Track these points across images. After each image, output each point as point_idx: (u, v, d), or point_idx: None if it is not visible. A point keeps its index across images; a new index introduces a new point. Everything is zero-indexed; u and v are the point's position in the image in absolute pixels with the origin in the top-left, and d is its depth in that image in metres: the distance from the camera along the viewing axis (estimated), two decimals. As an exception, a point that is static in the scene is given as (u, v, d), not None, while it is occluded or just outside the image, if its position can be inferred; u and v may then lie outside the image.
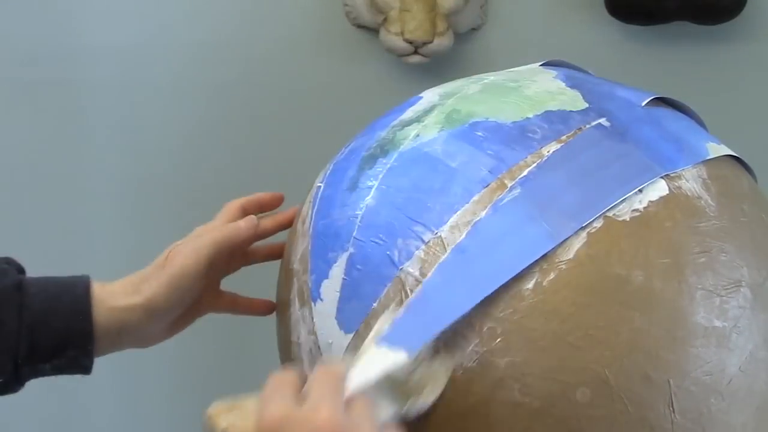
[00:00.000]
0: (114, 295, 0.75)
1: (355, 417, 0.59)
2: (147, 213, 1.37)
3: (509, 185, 0.66)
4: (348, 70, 1.38)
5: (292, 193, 0.86)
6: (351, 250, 0.69)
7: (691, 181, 0.67)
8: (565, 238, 0.64)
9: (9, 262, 0.75)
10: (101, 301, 0.75)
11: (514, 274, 0.63)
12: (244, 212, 0.82)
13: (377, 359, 0.63)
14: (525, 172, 0.66)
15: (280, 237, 0.83)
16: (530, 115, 0.70)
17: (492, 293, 0.63)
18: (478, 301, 0.63)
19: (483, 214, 0.65)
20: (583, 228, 0.64)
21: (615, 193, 0.65)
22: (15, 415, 1.46)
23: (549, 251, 0.63)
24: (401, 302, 0.65)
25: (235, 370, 1.47)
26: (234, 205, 0.83)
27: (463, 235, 0.65)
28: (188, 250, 0.77)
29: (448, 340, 0.64)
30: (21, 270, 0.76)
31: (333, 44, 1.36)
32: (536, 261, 0.63)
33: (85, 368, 0.76)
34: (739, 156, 0.74)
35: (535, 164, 0.67)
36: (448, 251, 0.65)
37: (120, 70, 1.38)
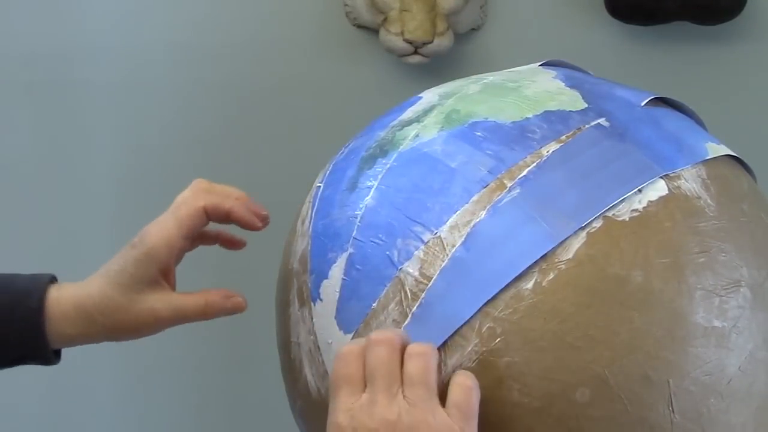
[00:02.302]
0: (71, 296, 0.76)
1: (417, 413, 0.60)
2: (146, 213, 1.37)
3: (508, 185, 0.66)
4: (348, 70, 1.38)
5: (292, 193, 0.86)
6: (350, 250, 0.69)
7: (690, 181, 0.67)
8: (564, 237, 0.64)
9: None
10: (57, 308, 0.75)
11: (515, 276, 0.63)
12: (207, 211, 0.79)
13: None
14: (524, 172, 0.66)
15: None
16: (530, 115, 0.70)
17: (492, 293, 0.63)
18: (482, 305, 0.63)
19: (482, 215, 0.65)
20: (582, 228, 0.64)
21: (614, 193, 0.65)
22: (14, 415, 1.46)
23: (548, 251, 0.63)
24: (401, 302, 0.65)
25: (235, 370, 1.47)
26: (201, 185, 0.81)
27: (463, 238, 0.65)
28: (156, 237, 0.76)
29: (447, 339, 0.64)
30: None
31: (333, 44, 1.37)
32: (536, 261, 0.63)
33: (48, 364, 0.78)
34: (739, 156, 0.74)
35: (534, 164, 0.67)
36: (449, 256, 0.65)
37: (120, 70, 1.38)
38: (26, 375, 1.41)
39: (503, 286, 0.63)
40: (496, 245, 0.64)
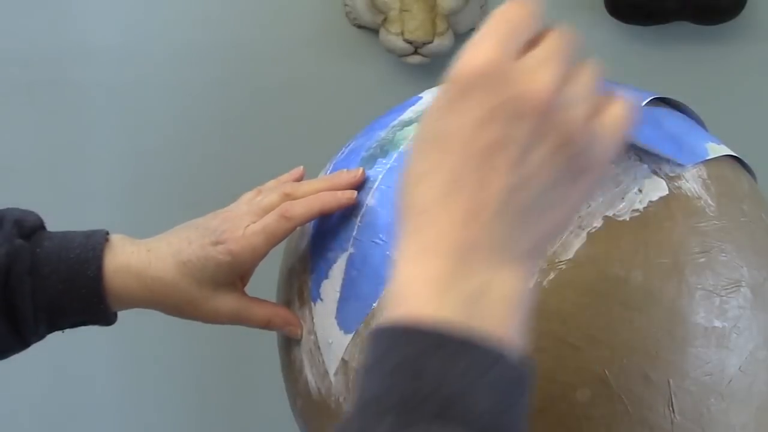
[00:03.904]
0: (135, 272, 0.72)
1: (575, 105, 0.50)
2: (146, 212, 1.37)
3: None
4: (348, 70, 1.38)
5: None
6: (351, 250, 0.69)
7: (690, 181, 0.67)
8: None
9: (21, 225, 0.73)
10: (118, 280, 0.72)
11: None
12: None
13: None
14: None
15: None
16: (530, 115, 0.70)
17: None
18: None
19: None
20: (582, 228, 0.64)
21: (612, 191, 0.65)
22: (15, 414, 1.46)
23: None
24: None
25: (235, 370, 1.47)
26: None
27: None
28: (242, 246, 0.71)
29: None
30: (33, 229, 0.73)
31: (333, 44, 1.37)
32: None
33: (108, 324, 0.75)
34: (739, 156, 0.74)
35: None
36: None
37: (119, 70, 1.38)
38: (26, 375, 1.41)
39: None
40: None
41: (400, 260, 0.50)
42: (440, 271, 0.48)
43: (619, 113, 0.52)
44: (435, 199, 0.49)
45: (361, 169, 0.72)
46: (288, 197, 0.73)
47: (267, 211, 0.73)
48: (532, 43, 0.51)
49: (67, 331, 0.75)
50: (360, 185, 0.71)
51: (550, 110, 0.49)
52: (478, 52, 0.49)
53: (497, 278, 0.49)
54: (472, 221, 0.49)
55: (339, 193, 0.71)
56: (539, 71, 0.50)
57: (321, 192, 0.72)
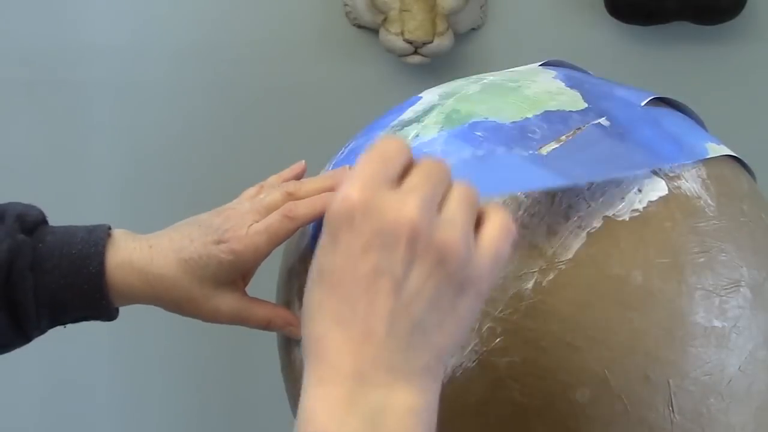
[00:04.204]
0: (138, 268, 0.72)
1: (446, 224, 0.53)
2: (146, 212, 1.37)
3: None
4: (348, 70, 1.38)
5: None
6: (350, 250, 0.69)
7: (690, 181, 0.67)
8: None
9: (23, 220, 0.73)
10: (119, 276, 0.72)
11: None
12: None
13: None
14: None
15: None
16: (530, 116, 0.70)
17: (491, 293, 0.63)
18: None
19: None
20: (582, 228, 0.64)
21: (611, 191, 0.65)
22: (15, 414, 1.46)
23: (533, 240, 0.63)
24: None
25: (235, 370, 1.47)
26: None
27: None
28: (245, 246, 0.71)
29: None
30: (35, 224, 0.73)
31: (333, 44, 1.37)
32: (535, 261, 0.63)
33: (110, 320, 0.75)
34: (739, 156, 0.74)
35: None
36: None
37: (119, 70, 1.38)
38: (26, 374, 1.41)
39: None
40: None
41: (305, 384, 0.54)
42: (340, 393, 0.52)
43: (496, 226, 0.55)
44: (329, 327, 0.53)
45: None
46: (291, 196, 0.73)
47: (270, 209, 0.72)
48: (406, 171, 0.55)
49: (67, 331, 0.75)
50: None
51: (420, 233, 0.52)
52: (352, 188, 0.53)
53: (395, 396, 0.52)
54: (365, 344, 0.52)
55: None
56: (407, 199, 0.53)
57: (324, 192, 0.72)
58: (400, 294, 0.52)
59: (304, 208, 0.71)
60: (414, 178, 0.54)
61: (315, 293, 0.54)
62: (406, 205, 0.53)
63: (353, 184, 0.53)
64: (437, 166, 0.55)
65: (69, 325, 0.75)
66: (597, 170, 0.65)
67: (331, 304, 0.53)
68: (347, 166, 0.73)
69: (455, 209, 0.54)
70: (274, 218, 0.71)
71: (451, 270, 0.53)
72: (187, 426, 1.50)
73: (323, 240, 0.54)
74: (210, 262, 0.71)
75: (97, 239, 0.72)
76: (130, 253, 0.72)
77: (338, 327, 0.53)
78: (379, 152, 0.55)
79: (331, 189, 0.71)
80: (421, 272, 0.53)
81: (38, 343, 0.75)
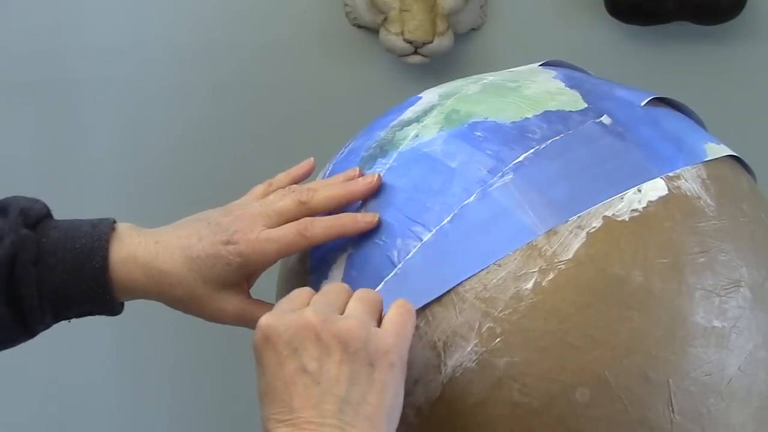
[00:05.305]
0: (142, 264, 0.72)
1: (344, 317, 0.62)
2: (146, 212, 1.37)
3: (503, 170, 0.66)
4: (348, 70, 1.38)
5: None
6: (350, 250, 0.69)
7: (690, 181, 0.67)
8: (549, 228, 0.64)
9: (27, 215, 0.72)
10: (123, 271, 0.72)
11: (495, 260, 0.64)
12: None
13: None
14: (520, 158, 0.67)
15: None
16: (529, 116, 0.70)
17: (491, 293, 0.63)
18: (455, 284, 0.64)
19: (471, 198, 0.66)
20: (582, 228, 0.64)
21: (608, 190, 0.65)
22: (15, 414, 1.46)
23: (531, 241, 0.63)
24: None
25: (235, 369, 1.47)
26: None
27: (450, 217, 0.65)
28: (254, 250, 0.71)
29: (447, 339, 0.64)
30: (39, 218, 0.73)
31: (333, 44, 1.37)
32: (535, 261, 0.63)
33: (114, 315, 0.75)
34: (739, 156, 0.74)
35: (532, 150, 0.67)
36: (432, 232, 0.65)
37: (119, 70, 1.37)
38: (26, 374, 1.41)
39: (476, 271, 0.64)
40: (478, 229, 0.64)
41: None
42: None
43: (395, 309, 0.64)
44: (271, 415, 0.62)
45: (377, 175, 0.71)
46: (303, 205, 0.72)
47: (281, 214, 0.71)
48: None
49: (67, 330, 0.75)
50: (376, 191, 0.70)
51: (320, 330, 0.62)
52: (264, 318, 0.64)
53: None
54: (301, 427, 0.61)
55: (359, 216, 0.70)
56: (304, 311, 0.63)
57: (336, 203, 0.71)
58: (321, 383, 0.61)
59: (320, 230, 0.70)
60: (313, 298, 0.65)
61: (262, 411, 0.63)
62: (303, 313, 0.62)
63: (266, 316, 0.63)
64: (336, 287, 0.66)
65: (69, 324, 0.75)
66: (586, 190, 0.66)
67: (274, 412, 0.62)
68: (359, 173, 0.72)
69: (353, 306, 0.64)
70: (289, 231, 0.70)
71: (355, 350, 0.61)
72: (188, 426, 1.50)
73: (255, 367, 0.65)
74: (217, 263, 0.71)
75: (101, 234, 0.72)
76: (135, 247, 0.72)
77: (284, 426, 0.61)
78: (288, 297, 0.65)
79: (343, 199, 0.71)
80: (333, 360, 0.61)
81: (38, 341, 0.75)
